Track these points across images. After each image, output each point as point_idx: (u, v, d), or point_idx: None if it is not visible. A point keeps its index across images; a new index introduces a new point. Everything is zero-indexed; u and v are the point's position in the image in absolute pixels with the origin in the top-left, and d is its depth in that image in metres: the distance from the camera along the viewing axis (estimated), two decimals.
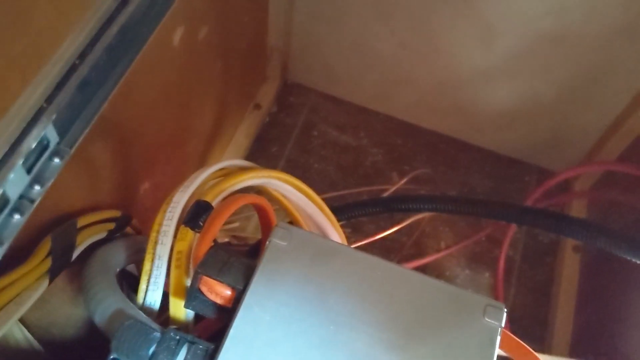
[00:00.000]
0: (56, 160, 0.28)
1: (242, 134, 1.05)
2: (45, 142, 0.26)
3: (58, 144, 0.27)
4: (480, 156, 1.12)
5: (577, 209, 1.01)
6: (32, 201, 0.27)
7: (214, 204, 0.51)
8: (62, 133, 0.27)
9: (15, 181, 0.25)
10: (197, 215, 0.49)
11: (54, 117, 0.26)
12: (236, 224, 0.97)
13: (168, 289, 0.49)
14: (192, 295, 0.44)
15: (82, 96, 0.28)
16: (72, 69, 0.27)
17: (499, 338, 0.41)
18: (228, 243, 0.98)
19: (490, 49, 0.95)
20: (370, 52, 1.05)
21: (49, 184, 0.28)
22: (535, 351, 0.97)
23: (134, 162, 0.68)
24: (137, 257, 0.59)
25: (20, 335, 0.47)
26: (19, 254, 0.46)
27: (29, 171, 0.26)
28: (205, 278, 0.43)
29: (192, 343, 0.40)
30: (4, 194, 0.25)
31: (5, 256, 0.45)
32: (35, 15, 0.32)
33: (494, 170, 1.11)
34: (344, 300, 0.41)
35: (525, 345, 0.48)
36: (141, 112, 0.64)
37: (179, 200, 0.50)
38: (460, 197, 0.70)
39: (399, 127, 1.14)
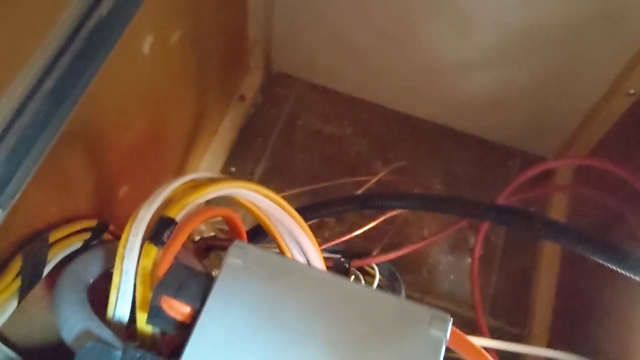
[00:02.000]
0: None
1: (227, 127, 1.06)
2: None
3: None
4: (464, 141, 1.13)
5: (558, 201, 1.02)
6: None
7: (178, 218, 0.52)
8: (1, 186, 0.29)
9: None
10: (160, 231, 0.51)
11: None
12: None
13: None
14: (153, 313, 0.46)
15: (16, 155, 0.29)
16: (10, 123, 0.28)
17: (443, 348, 0.43)
18: (214, 237, 1.00)
19: (468, 39, 0.95)
20: (351, 42, 1.06)
21: None
22: (516, 337, 0.99)
23: (110, 168, 0.69)
24: (112, 264, 0.62)
25: None
26: None
27: None
28: (165, 297, 0.45)
29: (153, 358, 0.43)
30: None
31: None
32: None
33: (477, 156, 1.12)
34: (297, 316, 0.43)
35: (477, 346, 0.50)
36: (112, 121, 0.66)
37: (144, 216, 0.52)
38: (432, 195, 0.72)
39: (384, 115, 1.15)
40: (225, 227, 1.03)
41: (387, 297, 0.45)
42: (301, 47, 1.11)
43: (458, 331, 0.53)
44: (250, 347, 0.42)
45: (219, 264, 0.77)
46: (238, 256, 0.45)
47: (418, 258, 1.01)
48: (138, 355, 0.43)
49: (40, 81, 0.37)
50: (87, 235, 0.61)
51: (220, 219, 0.99)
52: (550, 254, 0.98)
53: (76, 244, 0.59)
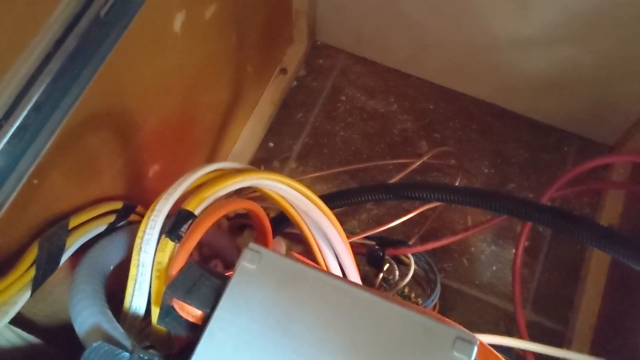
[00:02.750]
0: None
1: (267, 101, 1.03)
2: None
3: None
4: (517, 123, 1.07)
5: (612, 199, 0.95)
6: None
7: (197, 211, 0.50)
8: None
9: None
10: (178, 225, 0.49)
11: None
12: (257, 194, 0.97)
13: None
14: (164, 313, 0.45)
15: (4, 163, 0.27)
16: None
17: None
18: (248, 214, 0.99)
19: (527, 15, 0.88)
20: (401, 12, 1.00)
21: None
22: (558, 334, 0.94)
23: (139, 148, 0.68)
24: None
25: (11, 334, 0.49)
26: (7, 263, 0.48)
27: None
28: (176, 300, 0.43)
29: (160, 357, 0.41)
30: None
31: None
32: None
33: (530, 138, 1.05)
34: (309, 327, 0.41)
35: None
36: (141, 103, 0.64)
37: (162, 209, 0.50)
38: (472, 189, 0.67)
39: (432, 92, 1.10)
40: (262, 204, 1.01)
41: (409, 313, 0.42)
42: (347, 17, 1.06)
43: (486, 345, 0.49)
44: (257, 357, 0.40)
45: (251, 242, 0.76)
46: (252, 261, 0.43)
47: (459, 246, 0.97)
48: (146, 357, 0.42)
49: (47, 59, 0.35)
50: (112, 218, 0.60)
51: (256, 194, 0.97)
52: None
53: (99, 227, 0.58)
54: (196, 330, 0.44)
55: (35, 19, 0.38)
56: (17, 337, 0.50)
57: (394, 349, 0.40)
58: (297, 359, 0.40)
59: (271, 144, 1.04)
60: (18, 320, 0.51)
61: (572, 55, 0.91)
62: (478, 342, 0.41)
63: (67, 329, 0.60)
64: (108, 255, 0.55)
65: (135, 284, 0.50)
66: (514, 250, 0.96)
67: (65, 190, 0.55)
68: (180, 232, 0.49)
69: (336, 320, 0.41)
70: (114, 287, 0.54)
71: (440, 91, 1.09)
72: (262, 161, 1.02)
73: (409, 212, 0.80)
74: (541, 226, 0.93)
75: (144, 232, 0.50)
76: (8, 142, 0.27)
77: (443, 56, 1.05)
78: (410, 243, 0.85)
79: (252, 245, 0.44)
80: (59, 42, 0.38)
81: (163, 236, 0.49)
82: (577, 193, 0.90)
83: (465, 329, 0.42)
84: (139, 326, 0.51)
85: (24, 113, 0.28)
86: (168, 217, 0.51)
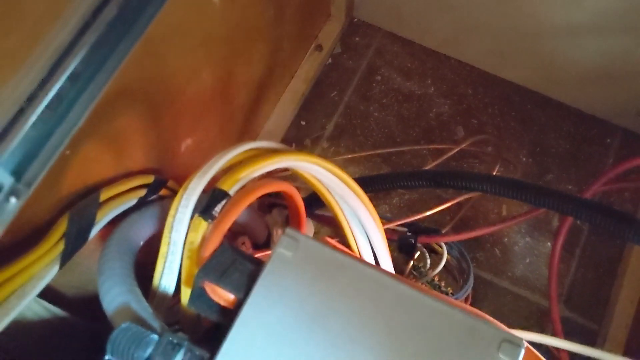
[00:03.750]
0: (12, 200, 0.26)
1: (300, 79, 1.01)
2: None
3: (16, 182, 0.26)
4: (559, 113, 1.02)
5: None
6: None
7: (232, 192, 0.49)
8: (18, 173, 0.25)
9: None
10: (211, 204, 0.47)
11: (2, 161, 0.24)
12: (289, 173, 0.95)
13: None
14: (195, 295, 0.43)
15: (38, 134, 0.26)
16: (20, 111, 0.24)
17: None
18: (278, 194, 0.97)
19: (578, 1, 0.84)
20: None
21: (5, 225, 0.26)
22: (591, 332, 0.91)
23: (172, 122, 0.66)
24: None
25: (38, 307, 0.48)
26: (38, 234, 0.47)
27: None
28: (208, 283, 0.42)
29: (188, 348, 0.40)
30: None
31: (21, 236, 0.46)
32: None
33: (572, 129, 1.01)
34: (346, 322, 0.39)
35: None
36: (176, 74, 0.62)
37: (195, 187, 0.48)
38: (512, 180, 0.64)
39: (471, 75, 1.06)
40: (293, 183, 0.99)
41: (453, 312, 0.39)
42: None
43: (532, 349, 0.47)
44: (291, 353, 0.38)
45: (280, 222, 0.74)
46: (288, 247, 0.41)
47: (492, 236, 0.94)
48: (175, 341, 0.40)
49: (85, 28, 0.33)
50: (143, 192, 0.58)
51: (288, 173, 0.95)
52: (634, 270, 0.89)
53: (130, 201, 0.56)
54: (227, 314, 0.42)
55: None
56: (44, 309, 0.49)
57: (436, 349, 0.38)
58: (332, 353, 0.38)
59: (303, 122, 1.01)
60: (46, 292, 0.50)
61: (625, 46, 0.87)
62: (525, 345, 0.39)
63: (94, 301, 0.59)
64: (138, 230, 0.54)
65: (165, 262, 0.48)
66: (549, 244, 0.93)
67: (97, 162, 0.54)
68: (213, 212, 0.47)
69: (375, 316, 0.39)
70: (144, 261, 0.53)
71: (480, 75, 1.06)
72: (293, 139, 1.00)
73: (442, 199, 0.77)
74: (585, 223, 0.89)
75: (177, 210, 0.48)
76: (43, 112, 0.25)
77: (485, 40, 1.01)
78: (444, 232, 0.82)
79: (289, 231, 0.42)
80: (97, 10, 0.36)
81: (196, 215, 0.47)
82: (620, 189, 0.86)
83: (511, 331, 0.39)
84: (167, 304, 0.49)
85: (60, 83, 0.26)
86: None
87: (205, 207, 0.47)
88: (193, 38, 0.61)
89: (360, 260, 0.41)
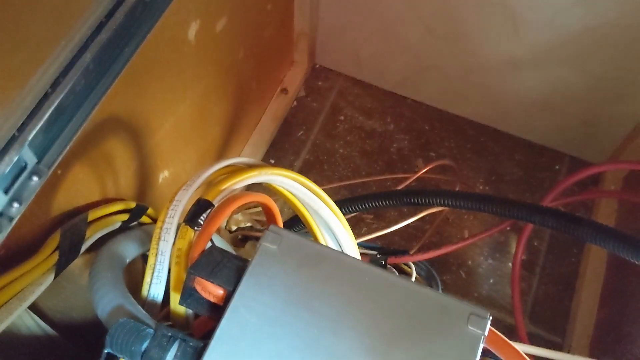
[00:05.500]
0: (35, 179, 0.29)
1: (269, 118, 1.06)
2: (23, 164, 0.28)
3: (37, 163, 0.29)
4: (510, 143, 1.10)
5: (606, 206, 0.98)
6: (10, 219, 0.29)
7: (216, 202, 0.52)
8: (40, 154, 0.29)
9: None
10: (197, 213, 0.51)
11: (28, 141, 0.28)
12: (259, 208, 0.99)
13: None
14: (186, 293, 0.46)
15: (58, 120, 0.29)
16: (45, 97, 0.28)
17: (481, 346, 0.42)
18: (250, 228, 1.00)
19: (518, 37, 0.92)
20: (398, 37, 1.04)
21: (28, 201, 0.30)
22: (556, 345, 0.95)
23: (152, 153, 0.70)
24: (148, 247, 0.62)
25: (31, 322, 0.50)
26: (30, 247, 0.49)
27: (6, 191, 0.28)
28: (198, 279, 0.45)
29: (183, 340, 0.42)
30: None
31: (16, 250, 0.48)
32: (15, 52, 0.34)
33: (523, 158, 1.09)
34: (329, 304, 0.42)
35: (515, 347, 0.48)
36: (157, 106, 0.66)
37: (181, 199, 0.52)
38: (476, 194, 0.69)
39: (427, 113, 1.13)
40: (262, 219, 1.03)
41: (425, 291, 0.43)
42: (346, 41, 1.10)
43: (495, 331, 0.51)
44: (281, 333, 0.41)
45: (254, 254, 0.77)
46: (273, 241, 0.45)
47: (457, 259, 0.99)
48: (170, 334, 0.43)
49: (79, 54, 0.37)
50: (126, 216, 0.61)
51: (258, 209, 0.99)
52: (595, 261, 0.95)
53: (114, 224, 0.59)
54: (217, 310, 0.45)
55: None
56: (36, 325, 0.51)
57: (411, 324, 0.42)
58: (318, 333, 0.41)
59: (273, 160, 1.06)
60: (37, 313, 0.52)
61: (563, 76, 0.95)
62: (490, 317, 0.43)
63: (79, 327, 0.61)
64: (125, 249, 0.57)
65: (153, 272, 0.51)
66: (510, 264, 0.98)
67: (85, 185, 0.57)
68: (199, 221, 0.50)
69: (355, 298, 0.43)
70: None
71: (436, 112, 1.13)
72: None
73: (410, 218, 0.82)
74: (544, 227, 0.95)
75: (163, 221, 0.51)
76: (60, 102, 0.29)
77: (438, 79, 1.09)
78: (411, 253, 0.87)
79: (272, 227, 0.46)
80: (93, 34, 0.41)
81: (182, 224, 0.50)
82: (571, 203, 0.93)
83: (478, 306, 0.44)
84: (157, 315, 0.52)
85: (75, 78, 0.30)
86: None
87: (191, 216, 0.50)
88: (171, 72, 0.66)
89: (338, 251, 0.45)
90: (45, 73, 0.27)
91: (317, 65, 1.17)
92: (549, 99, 1.01)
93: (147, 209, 0.65)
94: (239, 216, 1.00)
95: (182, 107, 0.73)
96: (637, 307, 0.82)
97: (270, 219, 0.61)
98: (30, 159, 0.28)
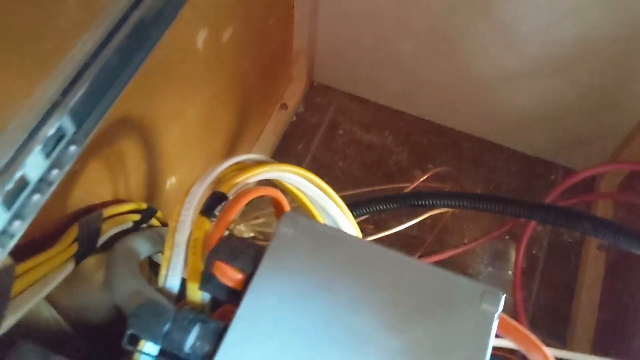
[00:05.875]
0: (73, 147, 0.31)
1: (270, 131, 1.08)
2: (62, 132, 0.30)
3: (75, 133, 0.31)
4: (505, 155, 1.13)
5: (603, 209, 1.00)
6: (50, 183, 0.30)
7: (229, 195, 0.54)
8: (78, 124, 0.30)
9: (35, 165, 0.29)
10: (213, 205, 0.52)
11: (69, 109, 0.29)
12: (261, 220, 1.00)
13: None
14: (206, 279, 0.47)
15: (96, 91, 0.31)
16: (85, 66, 0.30)
17: (495, 323, 0.43)
18: (253, 238, 1.01)
19: (511, 51, 0.96)
20: (393, 53, 1.07)
21: (66, 168, 0.31)
22: (557, 347, 0.97)
23: (160, 158, 0.71)
24: (160, 247, 0.63)
25: (48, 314, 0.51)
26: (49, 239, 0.50)
27: (47, 156, 0.29)
28: (218, 263, 0.46)
29: (204, 322, 0.43)
30: (24, 176, 0.28)
31: (35, 241, 0.49)
32: (60, 18, 0.36)
33: (519, 169, 1.11)
34: (347, 284, 0.44)
35: (522, 329, 0.50)
36: (166, 110, 0.68)
37: (196, 192, 0.53)
38: (478, 194, 0.71)
39: (424, 127, 1.16)
40: (265, 230, 1.04)
41: (439, 271, 0.45)
42: (343, 58, 1.13)
43: (506, 316, 0.52)
44: (301, 311, 0.42)
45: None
46: (289, 226, 0.46)
47: (457, 267, 1.00)
48: (190, 316, 0.43)
49: (114, 31, 0.38)
50: (137, 217, 0.62)
51: (260, 220, 1.00)
52: (594, 265, 0.96)
53: (127, 223, 0.60)
54: (236, 295, 0.46)
55: None
56: (53, 317, 0.51)
57: (427, 302, 0.43)
58: (337, 311, 0.42)
59: None
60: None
61: (554, 87, 0.99)
62: (504, 295, 0.44)
63: (92, 325, 0.62)
64: (138, 246, 0.58)
65: (169, 265, 0.52)
66: (510, 272, 1.00)
67: (98, 183, 0.58)
68: (215, 212, 0.52)
69: (371, 277, 0.44)
70: None
71: (432, 126, 1.16)
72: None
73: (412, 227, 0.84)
74: (546, 223, 0.96)
75: (179, 214, 0.52)
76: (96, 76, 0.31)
77: (433, 94, 1.12)
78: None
79: (288, 213, 0.47)
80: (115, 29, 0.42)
81: (198, 216, 0.52)
82: (570, 206, 0.95)
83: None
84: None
85: (110, 53, 0.31)
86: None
87: (207, 208, 0.52)
88: (182, 76, 0.68)
89: (352, 235, 0.47)
90: (85, 45, 0.29)
91: (315, 83, 1.20)
92: (542, 110, 1.04)
93: (157, 211, 0.66)
94: (241, 227, 1.01)
95: (189, 113, 0.74)
96: (635, 307, 0.83)
97: (279, 212, 0.63)
98: (69, 127, 0.30)
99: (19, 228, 0.29)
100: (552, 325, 0.95)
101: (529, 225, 0.82)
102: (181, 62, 0.67)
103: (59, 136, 0.29)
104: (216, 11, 0.71)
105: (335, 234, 0.46)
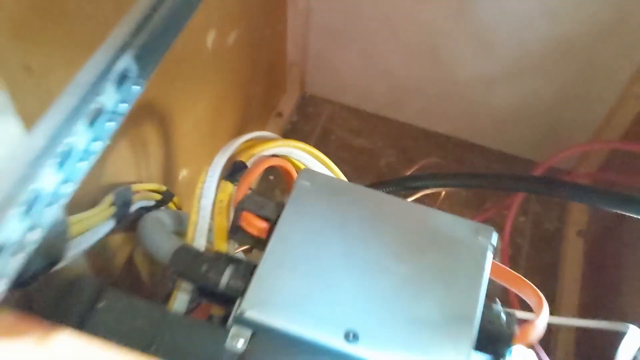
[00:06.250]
0: (135, 87, 0.37)
1: None
2: (127, 73, 0.36)
3: (137, 75, 0.37)
4: (487, 154, 1.21)
5: (578, 212, 1.08)
6: (121, 114, 0.36)
7: (248, 163, 0.60)
8: (141, 66, 0.37)
9: (110, 95, 0.35)
10: (234, 172, 0.59)
11: (135, 52, 0.36)
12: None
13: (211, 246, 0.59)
14: (234, 229, 0.53)
15: (156, 38, 0.37)
16: (147, 17, 0.37)
17: (490, 254, 0.50)
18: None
19: (489, 56, 1.05)
20: (379, 64, 1.16)
21: (131, 103, 0.37)
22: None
23: (175, 148, 0.77)
24: (179, 227, 0.69)
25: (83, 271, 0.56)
26: (88, 205, 0.56)
27: (117, 91, 0.36)
28: (245, 214, 0.52)
29: (237, 262, 0.49)
30: (103, 105, 0.34)
31: (77, 203, 0.55)
32: None
33: (500, 167, 1.19)
34: (359, 225, 0.50)
35: (513, 272, 0.56)
36: (180, 103, 0.75)
37: (219, 161, 0.59)
38: (467, 173, 0.79)
39: (411, 131, 1.24)
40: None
41: (438, 212, 0.51)
42: (333, 70, 1.21)
43: (497, 262, 0.59)
44: (322, 246, 0.48)
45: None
46: (307, 179, 0.52)
47: None
48: (224, 258, 0.49)
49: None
50: (159, 197, 0.68)
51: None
52: (573, 249, 1.04)
53: (150, 200, 0.66)
54: (261, 243, 0.52)
55: None
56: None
57: (430, 237, 0.50)
58: (352, 244, 0.49)
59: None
60: None
61: (534, 86, 1.07)
62: (494, 232, 0.51)
63: None
64: (164, 218, 0.64)
65: (196, 227, 0.58)
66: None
67: (125, 163, 0.64)
68: (237, 177, 0.58)
69: (382, 220, 0.51)
70: None
71: (418, 130, 1.24)
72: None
73: None
74: (530, 193, 1.02)
75: (203, 181, 0.59)
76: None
77: (418, 100, 1.20)
78: None
79: (305, 169, 0.54)
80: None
81: (222, 181, 0.58)
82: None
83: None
84: None
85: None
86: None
87: (230, 173, 0.58)
88: (194, 69, 0.75)
89: (362, 186, 0.54)
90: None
91: (307, 94, 1.28)
92: (519, 110, 1.13)
93: (174, 195, 0.72)
94: None
95: (200, 108, 0.81)
96: (612, 283, 0.90)
97: (288, 180, 0.69)
98: (133, 68, 0.36)
99: (99, 147, 0.35)
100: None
101: (510, 213, 0.90)
102: (194, 58, 0.74)
103: (124, 75, 0.36)
104: (223, 13, 0.79)
105: (346, 185, 0.53)
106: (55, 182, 0.33)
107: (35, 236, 0.33)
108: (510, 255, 1.07)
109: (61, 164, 0.33)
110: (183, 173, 0.82)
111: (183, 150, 0.80)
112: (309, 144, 1.19)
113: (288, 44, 1.13)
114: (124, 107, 0.37)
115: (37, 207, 0.32)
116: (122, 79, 0.36)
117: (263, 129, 1.15)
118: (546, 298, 1.03)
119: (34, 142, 0.32)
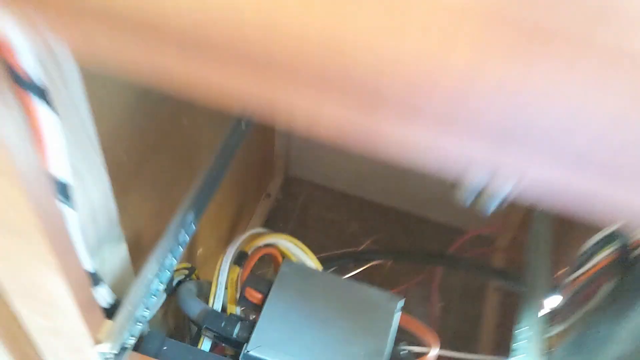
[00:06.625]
0: (192, 227, 0.69)
1: (258, 215, 1.48)
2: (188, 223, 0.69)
3: (192, 220, 0.69)
4: (429, 225, 1.55)
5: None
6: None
7: (249, 252, 0.93)
8: (195, 213, 0.69)
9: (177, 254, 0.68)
10: (240, 258, 0.91)
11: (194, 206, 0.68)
12: None
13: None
14: (241, 298, 0.85)
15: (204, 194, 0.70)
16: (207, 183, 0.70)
17: (397, 316, 0.82)
18: None
19: None
20: (346, 162, 1.50)
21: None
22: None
23: (195, 235, 1.10)
24: (200, 293, 1.01)
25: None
26: None
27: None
28: (248, 289, 0.84)
29: (243, 320, 0.81)
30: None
31: None
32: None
33: (439, 237, 1.53)
34: (320, 298, 0.82)
35: (417, 321, 0.88)
36: None
37: (231, 251, 0.92)
38: (401, 250, 1.12)
39: (372, 207, 1.57)
40: None
41: (366, 287, 0.84)
42: (311, 160, 1.56)
43: (405, 314, 0.91)
44: (297, 313, 0.80)
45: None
46: (287, 267, 0.85)
47: None
48: (235, 317, 0.81)
49: None
50: (187, 272, 1.01)
51: None
52: (491, 302, 1.37)
53: (181, 275, 0.98)
54: (258, 308, 0.84)
55: None
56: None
57: (361, 306, 0.82)
58: (315, 310, 0.81)
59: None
60: None
61: None
62: (403, 299, 0.84)
63: None
64: (192, 288, 0.96)
65: (215, 296, 0.90)
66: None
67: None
68: (242, 263, 0.91)
69: (331, 294, 0.83)
70: None
71: (378, 206, 1.58)
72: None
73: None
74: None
75: (220, 265, 0.91)
76: None
77: (377, 181, 1.54)
78: None
79: (286, 260, 0.87)
80: None
81: (233, 265, 0.90)
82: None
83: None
84: None
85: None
86: None
87: (237, 260, 0.91)
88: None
89: (327, 273, 0.86)
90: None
91: (291, 176, 1.62)
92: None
93: (196, 269, 1.04)
94: None
95: (210, 207, 1.14)
96: None
97: (276, 263, 1.02)
98: (191, 216, 0.69)
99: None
100: (462, 348, 1.34)
101: (436, 274, 1.23)
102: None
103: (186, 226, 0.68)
104: None
105: (313, 272, 0.86)
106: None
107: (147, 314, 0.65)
108: (443, 305, 1.40)
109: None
110: (200, 251, 1.14)
111: (200, 235, 1.13)
112: (292, 217, 1.53)
113: (275, 149, 1.48)
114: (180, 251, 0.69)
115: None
116: (186, 230, 0.69)
117: (255, 208, 1.48)
118: (470, 342, 1.36)
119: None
